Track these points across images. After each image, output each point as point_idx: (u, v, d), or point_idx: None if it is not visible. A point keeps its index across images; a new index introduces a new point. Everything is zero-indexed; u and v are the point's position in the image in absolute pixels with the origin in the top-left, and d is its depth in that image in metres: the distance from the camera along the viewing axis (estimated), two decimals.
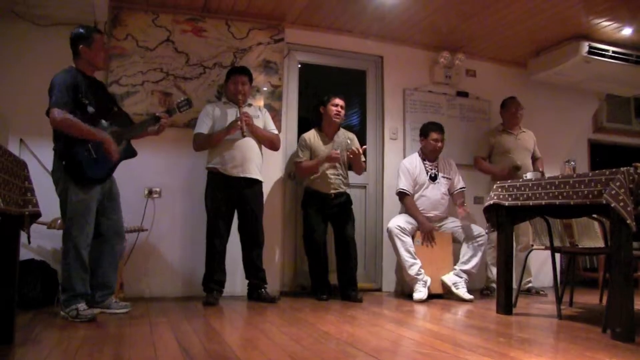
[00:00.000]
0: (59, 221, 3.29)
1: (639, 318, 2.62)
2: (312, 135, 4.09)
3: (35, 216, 2.32)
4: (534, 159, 4.66)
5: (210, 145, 3.71)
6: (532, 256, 4.36)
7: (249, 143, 3.71)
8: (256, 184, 3.77)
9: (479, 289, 4.47)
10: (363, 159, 4.05)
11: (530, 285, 4.52)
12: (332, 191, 3.98)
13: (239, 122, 3.56)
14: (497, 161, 4.57)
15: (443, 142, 4.28)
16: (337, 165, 4.01)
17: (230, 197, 3.67)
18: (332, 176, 3.98)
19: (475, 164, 4.68)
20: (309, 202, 4.03)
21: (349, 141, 4.09)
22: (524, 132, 4.68)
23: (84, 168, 2.91)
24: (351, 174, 4.21)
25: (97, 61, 3.07)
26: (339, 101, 4.02)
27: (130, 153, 3.21)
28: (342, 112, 4.04)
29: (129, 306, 3.15)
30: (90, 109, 2.96)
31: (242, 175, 3.67)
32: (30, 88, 3.58)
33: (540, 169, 4.36)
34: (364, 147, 4.01)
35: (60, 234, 3.01)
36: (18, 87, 3.64)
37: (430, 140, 4.23)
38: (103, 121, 3.03)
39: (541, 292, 4.44)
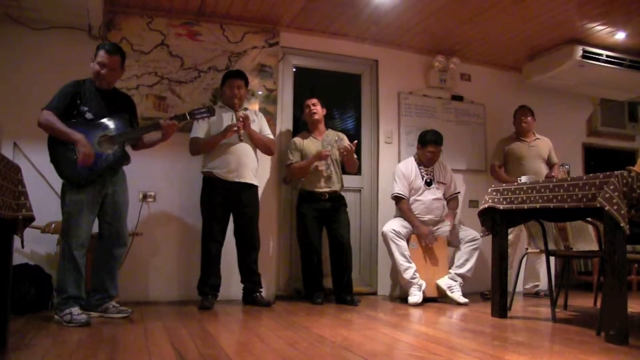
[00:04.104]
0: (53, 225, 3.28)
1: (632, 321, 2.63)
2: (301, 137, 4.14)
3: (29, 220, 2.32)
4: (550, 165, 4.68)
5: (206, 150, 3.71)
6: (531, 260, 4.39)
7: (245, 147, 3.71)
8: (252, 188, 3.77)
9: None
10: (355, 155, 4.08)
11: (538, 289, 4.57)
12: (325, 189, 3.99)
13: (236, 127, 3.57)
14: (510, 169, 4.63)
15: (439, 154, 4.32)
16: (330, 163, 4.01)
17: (225, 201, 3.67)
18: (324, 175, 3.99)
19: (491, 172, 4.76)
20: (303, 204, 4.03)
21: (337, 138, 4.14)
22: (538, 139, 4.71)
23: (60, 168, 2.93)
24: (347, 177, 4.21)
25: (93, 73, 3.07)
26: (309, 102, 4.15)
27: (122, 159, 3.12)
28: (316, 107, 4.11)
29: (127, 311, 3.10)
30: (89, 115, 3.01)
31: (237, 180, 3.66)
32: (24, 92, 3.58)
33: (553, 174, 4.43)
34: (355, 141, 4.00)
35: (54, 238, 2.99)
36: (12, 90, 3.61)
37: (426, 152, 4.27)
38: (105, 120, 3.04)
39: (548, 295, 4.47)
